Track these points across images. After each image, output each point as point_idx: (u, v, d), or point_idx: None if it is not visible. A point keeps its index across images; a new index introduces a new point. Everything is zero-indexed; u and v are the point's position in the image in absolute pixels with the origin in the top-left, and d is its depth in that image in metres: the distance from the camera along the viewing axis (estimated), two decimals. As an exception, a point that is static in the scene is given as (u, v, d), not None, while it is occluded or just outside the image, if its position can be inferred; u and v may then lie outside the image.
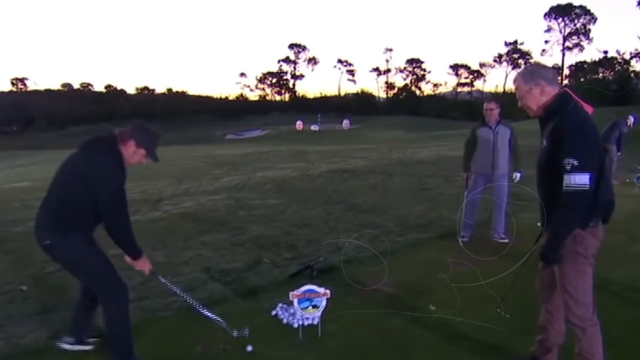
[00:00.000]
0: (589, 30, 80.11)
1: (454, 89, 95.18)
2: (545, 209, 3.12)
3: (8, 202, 11.94)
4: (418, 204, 9.21)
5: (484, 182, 6.84)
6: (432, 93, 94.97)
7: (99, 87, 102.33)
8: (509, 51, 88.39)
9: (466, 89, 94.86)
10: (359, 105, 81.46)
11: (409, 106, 77.94)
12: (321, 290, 4.07)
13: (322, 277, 5.25)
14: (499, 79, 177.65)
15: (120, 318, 3.56)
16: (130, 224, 3.55)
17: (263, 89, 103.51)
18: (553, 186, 2.93)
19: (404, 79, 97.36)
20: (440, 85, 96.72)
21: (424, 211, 8.60)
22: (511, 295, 4.11)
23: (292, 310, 4.22)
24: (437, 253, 6.21)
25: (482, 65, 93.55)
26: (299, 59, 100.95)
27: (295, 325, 4.17)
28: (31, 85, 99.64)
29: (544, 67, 3.20)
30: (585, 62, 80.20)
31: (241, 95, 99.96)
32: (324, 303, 4.05)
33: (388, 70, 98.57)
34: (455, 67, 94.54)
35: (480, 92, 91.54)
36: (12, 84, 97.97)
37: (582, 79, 70.78)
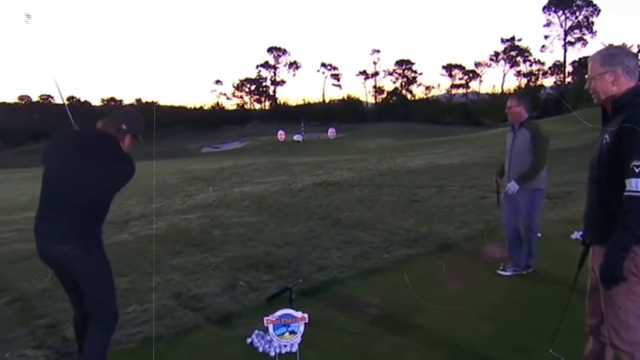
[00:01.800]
0: (592, 23, 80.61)
1: (448, 91, 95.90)
2: (597, 217, 2.93)
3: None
4: (408, 218, 9.28)
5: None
6: (424, 96, 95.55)
7: (60, 99, 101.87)
8: (506, 48, 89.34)
9: (461, 90, 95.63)
10: (345, 112, 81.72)
11: (399, 112, 78.39)
12: (298, 314, 4.07)
13: (301, 299, 5.27)
14: (496, 79, 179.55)
15: (106, 343, 3.71)
16: None
17: (241, 97, 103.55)
18: (610, 190, 2.77)
19: (394, 82, 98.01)
20: (433, 87, 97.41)
21: (414, 225, 8.66)
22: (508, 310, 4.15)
23: (268, 338, 4.23)
24: (427, 270, 6.25)
25: (477, 64, 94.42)
26: (279, 63, 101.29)
27: (272, 354, 4.18)
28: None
29: (629, 53, 3.00)
30: (589, 57, 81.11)
31: (217, 104, 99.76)
32: (302, 328, 4.06)
33: (376, 74, 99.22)
34: (449, 68, 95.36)
35: (477, 93, 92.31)
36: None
37: (587, 76, 71.55)
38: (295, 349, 4.12)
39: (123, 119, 3.78)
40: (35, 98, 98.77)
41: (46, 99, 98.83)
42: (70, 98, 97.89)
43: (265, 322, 4.01)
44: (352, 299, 5.39)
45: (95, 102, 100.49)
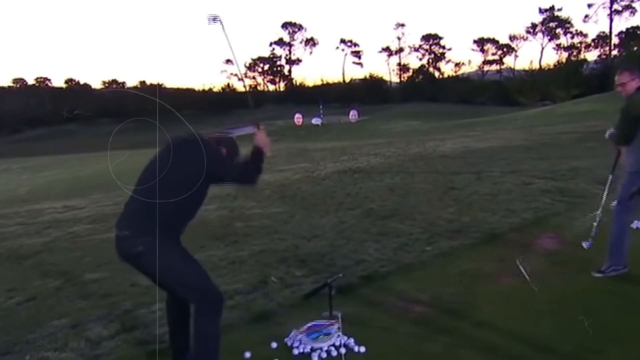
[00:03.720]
0: (642, -13, 79.37)
1: (480, 68, 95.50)
2: None
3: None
4: (447, 207, 9.24)
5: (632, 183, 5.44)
6: (454, 74, 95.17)
7: (58, 81, 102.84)
8: (544, 20, 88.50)
9: (494, 67, 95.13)
10: (367, 92, 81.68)
11: (426, 91, 78.14)
12: (326, 322, 4.15)
13: (339, 296, 5.27)
14: (533, 54, 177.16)
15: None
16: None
17: (254, 78, 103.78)
18: None
19: (420, 59, 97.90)
20: (463, 64, 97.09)
21: (455, 214, 8.62)
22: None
23: (313, 336, 4.25)
24: (475, 263, 6.24)
25: (512, 38, 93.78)
26: (294, 40, 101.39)
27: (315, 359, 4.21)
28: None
29: None
30: (638, 27, 79.75)
31: (228, 85, 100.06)
32: (335, 330, 4.12)
33: (400, 50, 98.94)
34: (481, 42, 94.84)
35: (512, 70, 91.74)
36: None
37: (635, 48, 70.42)
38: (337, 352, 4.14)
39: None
40: (30, 81, 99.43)
41: (43, 81, 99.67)
42: (69, 80, 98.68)
43: (295, 334, 4.08)
44: (396, 295, 5.38)
45: (96, 84, 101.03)
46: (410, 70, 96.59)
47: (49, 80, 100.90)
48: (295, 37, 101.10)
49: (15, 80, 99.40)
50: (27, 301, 6.02)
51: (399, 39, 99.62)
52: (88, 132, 67.13)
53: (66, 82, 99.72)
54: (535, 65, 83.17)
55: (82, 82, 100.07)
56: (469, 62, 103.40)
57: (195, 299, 3.67)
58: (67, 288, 6.35)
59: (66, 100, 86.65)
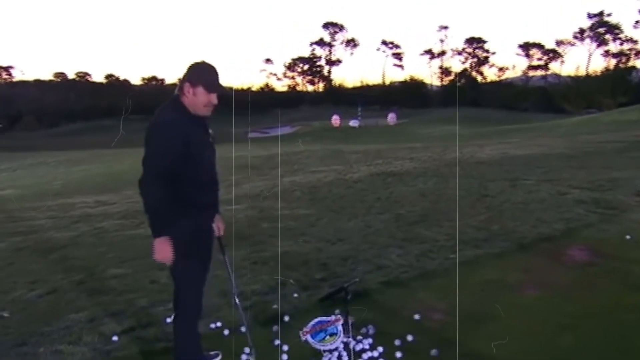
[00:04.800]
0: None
1: (524, 73, 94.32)
2: None
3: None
4: (477, 214, 9.16)
5: None
6: (497, 79, 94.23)
7: (98, 77, 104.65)
8: (593, 25, 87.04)
9: (539, 72, 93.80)
10: (407, 95, 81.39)
11: (468, 96, 77.46)
12: (331, 317, 4.15)
13: (357, 301, 5.28)
14: (580, 59, 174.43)
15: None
16: (160, 189, 3.64)
17: (292, 78, 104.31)
18: None
19: (462, 63, 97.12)
20: (507, 69, 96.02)
21: (484, 222, 8.54)
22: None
23: (319, 337, 4.27)
24: (499, 272, 6.17)
25: (559, 43, 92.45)
26: (335, 40, 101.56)
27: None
28: (18, 75, 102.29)
29: None
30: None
31: (266, 85, 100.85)
32: (340, 328, 4.12)
33: (443, 53, 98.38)
34: (526, 47, 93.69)
35: (557, 76, 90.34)
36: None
37: None
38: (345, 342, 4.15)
39: (187, 72, 3.77)
40: (71, 75, 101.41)
41: (83, 76, 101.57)
42: (109, 76, 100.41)
43: (302, 335, 4.09)
44: (414, 302, 5.36)
45: (135, 80, 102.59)
46: (452, 74, 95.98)
47: (89, 75, 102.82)
48: (336, 37, 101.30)
49: (56, 74, 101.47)
50: (48, 294, 6.16)
51: (441, 41, 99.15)
52: (125, 127, 68.19)
53: (106, 77, 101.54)
54: (582, 72, 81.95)
55: (122, 78, 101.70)
56: (513, 67, 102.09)
57: (179, 304, 3.95)
58: (87, 283, 6.47)
59: (105, 95, 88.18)
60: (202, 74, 3.71)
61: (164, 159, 3.60)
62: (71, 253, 8.12)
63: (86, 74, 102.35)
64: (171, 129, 3.62)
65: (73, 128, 73.44)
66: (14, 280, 6.83)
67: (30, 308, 5.79)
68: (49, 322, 5.25)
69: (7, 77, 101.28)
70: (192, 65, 3.75)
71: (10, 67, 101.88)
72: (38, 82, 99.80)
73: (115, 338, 4.77)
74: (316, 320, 4.19)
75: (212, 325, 4.95)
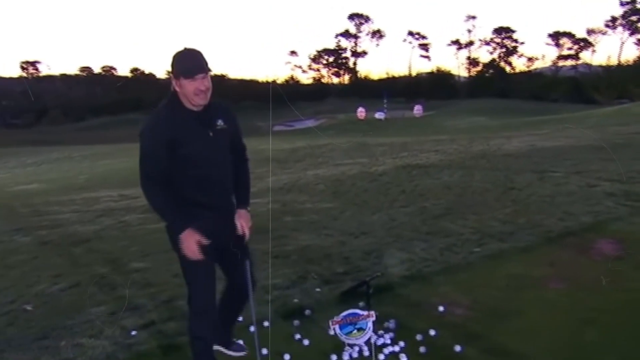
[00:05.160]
0: None
1: (554, 63, 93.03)
2: None
3: (15, 207, 12.56)
4: (503, 207, 9.08)
5: None
6: (526, 69, 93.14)
7: (123, 71, 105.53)
8: (625, 13, 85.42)
9: (569, 62, 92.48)
10: (434, 86, 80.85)
11: (496, 86, 76.77)
12: (364, 312, 4.13)
13: (379, 295, 5.28)
14: (611, 49, 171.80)
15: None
16: (158, 192, 3.63)
17: (318, 70, 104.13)
18: None
19: (491, 53, 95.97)
20: (537, 59, 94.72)
21: (510, 215, 8.47)
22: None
23: (347, 329, 4.26)
24: (523, 267, 6.12)
25: (590, 32, 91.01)
26: (360, 32, 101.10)
27: (345, 357, 4.23)
28: (44, 70, 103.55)
29: None
30: None
31: (291, 77, 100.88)
32: (370, 324, 4.10)
33: (470, 43, 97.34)
34: (556, 36, 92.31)
35: (588, 65, 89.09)
36: (22, 68, 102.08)
37: None
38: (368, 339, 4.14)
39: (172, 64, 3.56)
40: (96, 70, 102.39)
41: (108, 70, 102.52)
42: (134, 70, 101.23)
43: (330, 324, 4.08)
44: (437, 296, 5.33)
45: (160, 74, 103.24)
46: (480, 65, 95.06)
47: (115, 69, 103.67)
48: (362, 28, 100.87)
49: (82, 69, 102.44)
50: (71, 287, 6.26)
51: (469, 31, 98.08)
52: (151, 121, 68.69)
53: (132, 71, 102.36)
54: (614, 61, 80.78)
55: (147, 72, 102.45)
56: (543, 56, 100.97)
57: (189, 302, 3.90)
58: (110, 276, 6.55)
59: (131, 89, 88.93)
60: (178, 63, 3.49)
61: (151, 162, 3.55)
62: (95, 246, 8.23)
63: (112, 67, 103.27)
64: (155, 131, 3.54)
65: (99, 122, 74.12)
66: (38, 274, 6.95)
67: (53, 302, 5.89)
68: (71, 315, 5.34)
69: (34, 71, 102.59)
70: (173, 56, 3.54)
71: (37, 61, 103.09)
72: (64, 77, 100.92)
73: (135, 332, 4.82)
74: (348, 312, 4.17)
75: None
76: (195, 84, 3.45)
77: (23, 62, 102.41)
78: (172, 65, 3.51)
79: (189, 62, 3.48)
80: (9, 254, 8.09)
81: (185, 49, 3.53)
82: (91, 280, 6.41)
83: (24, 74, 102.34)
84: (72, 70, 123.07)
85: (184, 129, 3.52)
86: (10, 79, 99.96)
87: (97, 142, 44.10)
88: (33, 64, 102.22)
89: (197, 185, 3.63)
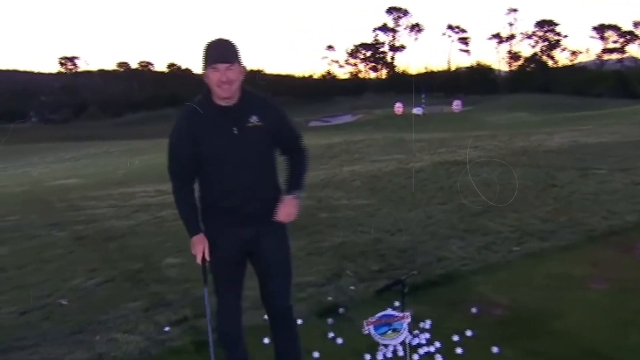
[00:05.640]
0: None
1: (599, 56, 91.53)
2: None
3: (52, 202, 12.80)
4: (543, 205, 8.97)
5: None
6: (569, 63, 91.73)
7: (160, 66, 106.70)
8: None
9: (615, 55, 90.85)
10: (473, 81, 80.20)
11: (538, 81, 75.76)
12: (400, 314, 4.10)
13: (415, 293, 5.23)
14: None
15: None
16: (179, 191, 3.52)
17: (355, 65, 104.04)
18: None
19: (532, 47, 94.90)
20: (580, 52, 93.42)
21: (551, 213, 8.35)
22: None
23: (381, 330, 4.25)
24: (565, 266, 6.02)
25: (637, 24, 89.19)
26: (399, 26, 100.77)
27: (379, 357, 4.22)
28: (82, 66, 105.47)
29: None
30: None
31: (328, 72, 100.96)
32: (405, 326, 4.07)
33: (512, 37, 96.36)
34: (601, 29, 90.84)
35: (634, 59, 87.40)
36: (61, 64, 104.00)
37: None
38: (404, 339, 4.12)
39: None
40: (134, 65, 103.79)
41: (145, 66, 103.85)
42: (171, 65, 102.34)
43: (365, 325, 4.06)
44: (475, 296, 5.28)
45: (197, 69, 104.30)
46: (522, 59, 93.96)
47: (152, 64, 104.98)
48: (400, 22, 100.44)
49: (120, 64, 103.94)
50: (106, 282, 6.36)
51: (510, 25, 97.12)
52: (187, 117, 69.49)
53: (168, 66, 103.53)
54: (662, 54, 78.93)
55: (183, 67, 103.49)
56: (587, 50, 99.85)
57: None
58: (145, 271, 6.62)
59: (168, 84, 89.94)
60: (205, 52, 3.29)
61: (173, 162, 3.49)
62: (130, 242, 8.33)
63: (149, 63, 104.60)
64: (178, 127, 3.41)
65: (136, 117, 75.24)
66: (73, 268, 7.06)
67: (88, 296, 5.98)
68: (105, 310, 5.42)
69: (72, 67, 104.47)
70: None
71: (75, 57, 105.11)
72: (102, 72, 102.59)
73: (168, 328, 4.86)
74: (383, 312, 4.15)
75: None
76: (218, 75, 3.23)
77: (62, 58, 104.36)
78: (202, 56, 3.33)
79: (213, 50, 3.28)
80: (46, 248, 8.23)
81: (217, 38, 3.33)
82: (126, 276, 6.50)
83: (63, 70, 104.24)
84: (110, 65, 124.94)
85: (207, 125, 3.34)
86: (49, 74, 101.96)
87: (134, 137, 44.72)
88: (71, 59, 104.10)
89: (219, 188, 3.42)
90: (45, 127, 70.21)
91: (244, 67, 3.38)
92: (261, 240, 3.52)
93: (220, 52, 3.27)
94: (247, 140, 3.35)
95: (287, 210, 3.44)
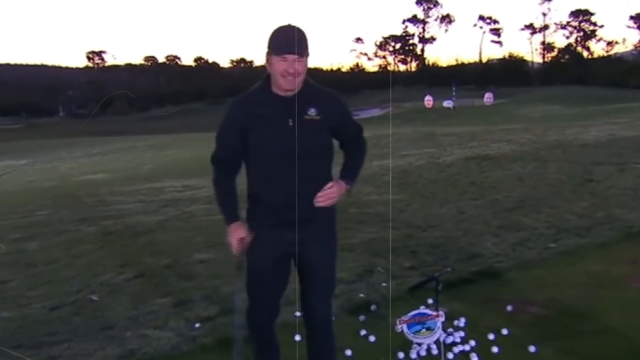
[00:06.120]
0: None
1: (636, 47, 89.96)
2: None
3: (81, 197, 12.95)
4: (580, 200, 8.87)
5: None
6: (605, 54, 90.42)
7: (187, 60, 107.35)
8: None
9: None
10: (506, 73, 79.47)
11: (572, 73, 74.83)
12: (433, 313, 4.07)
13: (448, 291, 5.20)
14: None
15: None
16: (218, 179, 3.39)
17: (384, 57, 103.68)
18: None
19: (567, 37, 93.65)
20: (617, 43, 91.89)
21: (588, 209, 8.25)
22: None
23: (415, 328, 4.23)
24: (603, 264, 5.95)
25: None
26: (429, 17, 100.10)
27: (413, 356, 4.21)
28: (109, 60, 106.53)
29: None
30: None
31: (356, 65, 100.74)
32: (439, 325, 4.05)
33: (545, 27, 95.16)
34: (638, 18, 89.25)
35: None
36: (88, 58, 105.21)
37: None
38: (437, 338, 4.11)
39: None
40: (161, 59, 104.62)
41: (172, 59, 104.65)
42: (198, 59, 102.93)
43: (397, 323, 4.04)
44: (510, 294, 5.24)
45: (224, 63, 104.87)
46: (556, 50, 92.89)
47: (179, 58, 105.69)
48: (430, 13, 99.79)
49: (147, 58, 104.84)
50: (135, 278, 6.40)
51: (544, 15, 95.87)
52: (215, 110, 69.87)
53: (195, 60, 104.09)
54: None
55: (210, 61, 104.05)
56: (624, 40, 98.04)
57: None
58: (174, 267, 6.67)
59: (195, 78, 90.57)
60: (272, 38, 3.11)
61: (219, 149, 3.34)
62: (159, 237, 8.39)
63: (176, 57, 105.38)
64: (230, 113, 3.26)
65: (163, 112, 75.76)
66: (103, 263, 7.13)
67: (118, 292, 6.04)
68: (135, 306, 5.47)
69: (99, 61, 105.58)
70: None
71: (103, 51, 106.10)
72: (129, 66, 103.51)
73: (198, 325, 4.89)
74: (416, 311, 4.13)
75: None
76: (285, 65, 3.05)
77: (89, 52, 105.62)
78: (268, 40, 3.15)
79: (282, 38, 3.08)
80: (75, 243, 8.33)
81: (285, 25, 3.13)
82: (155, 271, 6.56)
83: (90, 64, 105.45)
84: (137, 59, 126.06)
85: (260, 114, 3.15)
86: (77, 69, 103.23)
87: (161, 131, 45.04)
88: (99, 53, 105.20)
89: (269, 183, 3.23)
90: (73, 121, 71.07)
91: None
92: (308, 246, 3.31)
93: (290, 40, 3.05)
94: (302, 133, 3.11)
95: (329, 193, 3.23)
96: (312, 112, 3.18)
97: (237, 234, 3.29)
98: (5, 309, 5.73)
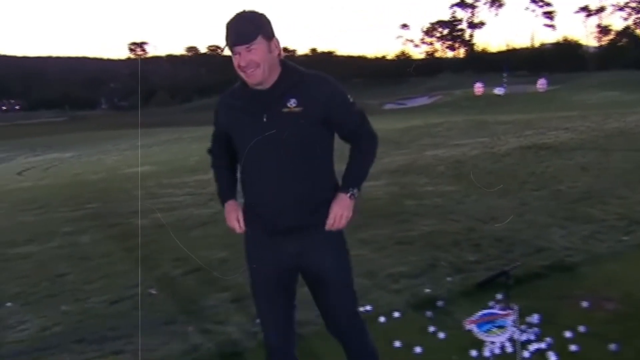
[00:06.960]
0: None
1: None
2: None
3: (129, 189, 13.11)
4: (650, 190, 8.65)
5: None
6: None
7: (228, 50, 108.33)
8: None
9: None
10: (559, 58, 78.11)
11: (630, 57, 73.05)
12: (502, 311, 3.99)
13: (517, 287, 5.10)
14: None
15: None
16: (213, 163, 3.37)
17: (431, 44, 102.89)
18: None
19: (625, 19, 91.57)
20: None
21: (660, 200, 8.04)
22: None
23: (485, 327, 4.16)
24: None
25: None
26: (478, 1, 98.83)
27: (487, 354, 4.15)
28: (151, 51, 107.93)
29: None
30: None
31: (403, 53, 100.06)
32: (510, 322, 3.96)
33: (601, 9, 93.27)
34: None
35: None
36: (130, 49, 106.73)
37: None
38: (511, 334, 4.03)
39: None
40: (202, 49, 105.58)
41: (214, 50, 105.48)
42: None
43: (467, 324, 3.97)
44: (584, 289, 5.10)
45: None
46: (612, 33, 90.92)
47: (221, 48, 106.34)
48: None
49: (188, 49, 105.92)
50: (192, 272, 6.44)
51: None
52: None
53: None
54: None
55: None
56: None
57: None
58: (230, 261, 6.65)
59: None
60: (225, 34, 2.80)
61: (212, 145, 3.31)
62: (212, 230, 8.43)
63: (218, 47, 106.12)
64: (216, 114, 3.17)
65: (206, 103, 76.44)
66: (157, 257, 7.20)
67: (175, 286, 6.09)
68: (195, 300, 5.50)
69: (141, 53, 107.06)
70: None
71: (145, 42, 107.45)
72: (170, 57, 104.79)
73: (259, 320, 4.87)
74: (485, 311, 4.06)
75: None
76: (236, 59, 2.78)
77: (131, 44, 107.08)
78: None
79: (229, 31, 2.77)
80: (128, 236, 8.40)
81: (236, 14, 2.82)
82: (211, 265, 6.58)
83: (132, 56, 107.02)
84: (179, 50, 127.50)
85: (237, 113, 2.95)
86: (118, 61, 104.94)
87: (204, 123, 45.26)
88: (140, 45, 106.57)
89: (252, 188, 3.00)
90: (115, 114, 72.23)
91: (275, 41, 2.88)
92: (308, 255, 3.01)
93: (236, 31, 2.76)
94: (282, 128, 2.81)
95: (336, 213, 2.91)
96: (291, 103, 2.81)
97: (236, 212, 3.10)
98: (64, 303, 5.81)
